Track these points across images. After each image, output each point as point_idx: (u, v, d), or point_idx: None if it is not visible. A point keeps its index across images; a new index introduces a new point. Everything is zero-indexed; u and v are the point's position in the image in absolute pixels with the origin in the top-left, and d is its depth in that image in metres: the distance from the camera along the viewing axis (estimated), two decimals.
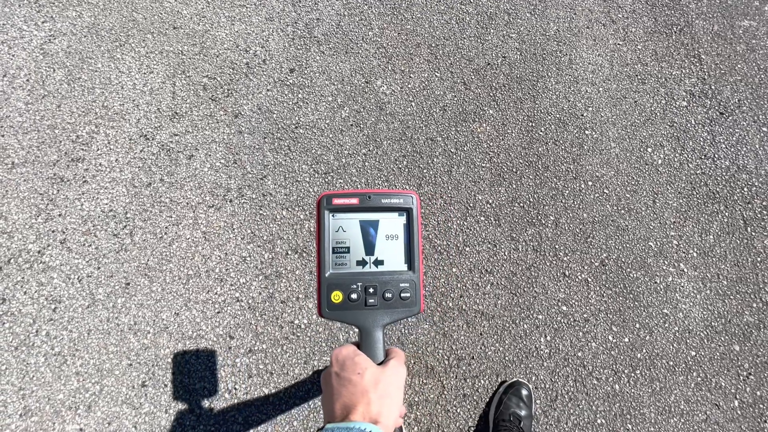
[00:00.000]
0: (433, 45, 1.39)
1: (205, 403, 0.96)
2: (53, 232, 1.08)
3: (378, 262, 0.49)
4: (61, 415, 0.93)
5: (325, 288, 0.47)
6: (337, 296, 0.47)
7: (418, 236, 0.49)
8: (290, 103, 1.28)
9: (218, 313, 1.04)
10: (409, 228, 0.49)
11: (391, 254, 0.49)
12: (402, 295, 0.48)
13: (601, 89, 1.36)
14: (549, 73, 1.37)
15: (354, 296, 0.47)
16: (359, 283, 0.48)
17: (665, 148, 1.29)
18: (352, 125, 1.26)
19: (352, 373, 0.41)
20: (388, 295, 0.48)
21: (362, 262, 0.49)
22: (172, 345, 1.00)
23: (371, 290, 0.48)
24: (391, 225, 0.50)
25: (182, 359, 0.99)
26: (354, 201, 0.49)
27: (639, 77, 1.38)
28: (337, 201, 0.48)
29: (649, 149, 1.28)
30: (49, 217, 1.10)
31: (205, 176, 1.17)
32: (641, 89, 1.37)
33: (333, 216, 0.49)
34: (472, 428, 0.97)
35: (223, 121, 1.24)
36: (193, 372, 0.99)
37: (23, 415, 0.93)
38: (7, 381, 0.95)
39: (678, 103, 1.35)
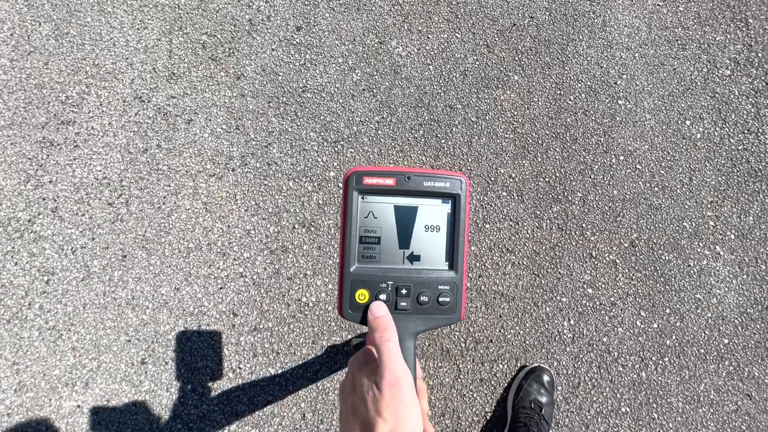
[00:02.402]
0: (454, 3, 1.29)
1: (208, 383, 0.93)
2: (44, 199, 1.03)
3: (414, 258, 0.43)
4: (58, 392, 0.91)
5: (348, 285, 0.41)
6: (362, 295, 0.41)
7: (464, 229, 0.43)
8: (297, 64, 1.19)
9: (221, 288, 0.99)
10: (454, 219, 0.43)
11: (430, 249, 0.43)
12: (440, 299, 0.42)
13: (636, 55, 1.26)
14: (580, 36, 1.27)
15: (383, 297, 0.41)
16: (390, 282, 0.42)
17: (705, 121, 1.21)
18: (364, 90, 1.18)
19: (360, 400, 0.36)
20: (424, 298, 0.42)
21: (395, 257, 0.43)
22: (173, 321, 0.97)
23: (404, 291, 0.41)
24: (433, 214, 0.43)
25: (183, 336, 0.96)
26: (390, 182, 0.42)
27: (679, 42, 1.29)
28: (368, 180, 0.42)
29: (687, 122, 1.20)
30: (39, 183, 1.04)
31: (206, 143, 1.11)
32: (681, 56, 1.27)
33: (363, 198, 0.42)
34: (489, 414, 0.94)
35: (224, 83, 1.16)
36: (195, 350, 0.95)
37: (18, 391, 0.91)
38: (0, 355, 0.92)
39: (721, 71, 1.26)
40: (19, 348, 0.93)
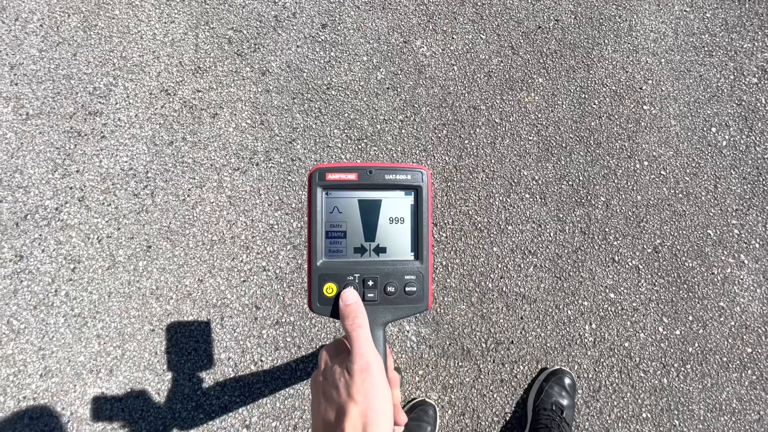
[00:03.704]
0: (479, 4, 1.33)
1: (231, 374, 0.97)
2: (71, 188, 1.08)
3: (379, 250, 0.45)
4: (83, 378, 0.95)
5: (316, 279, 0.44)
6: (330, 289, 0.43)
7: (427, 220, 0.45)
8: (322, 61, 1.24)
9: (244, 281, 1.03)
10: (417, 210, 0.45)
11: (395, 241, 0.45)
12: (407, 289, 0.44)
13: (662, 60, 1.29)
14: (606, 40, 1.31)
15: None
16: (357, 275, 0.44)
17: (731, 129, 1.23)
18: (388, 88, 1.22)
19: (332, 386, 0.38)
20: (391, 288, 0.44)
21: (361, 250, 0.45)
22: (196, 312, 1.00)
23: (370, 283, 0.44)
24: (396, 206, 0.45)
25: (206, 328, 1.00)
26: (352, 176, 0.44)
27: (706, 49, 1.32)
28: (331, 176, 0.44)
29: (713, 129, 1.23)
30: (67, 172, 1.09)
31: (230, 137, 1.15)
32: (708, 62, 1.30)
33: (327, 194, 0.45)
34: (509, 415, 0.97)
35: (250, 78, 1.21)
36: (218, 341, 0.99)
37: (44, 376, 0.95)
38: (26, 340, 0.96)
39: (748, 79, 1.29)
40: (45, 334, 0.97)
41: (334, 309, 0.43)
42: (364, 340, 0.39)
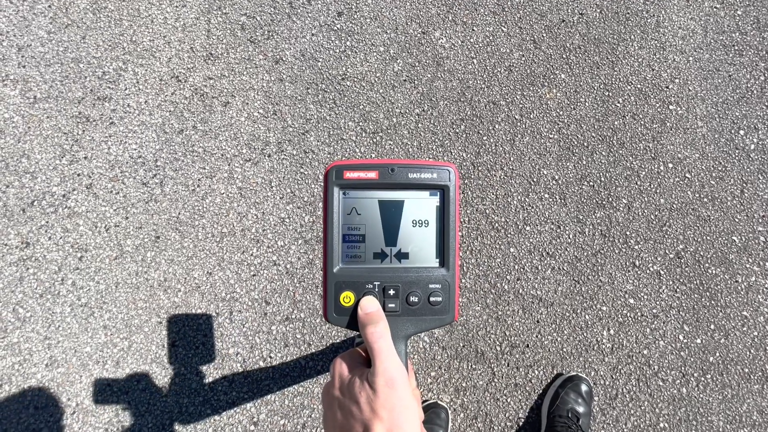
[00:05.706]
0: None
1: (239, 370, 0.98)
2: (79, 175, 1.09)
3: (401, 256, 0.43)
4: (89, 369, 0.96)
5: (332, 287, 0.42)
6: (347, 298, 0.42)
7: (455, 223, 0.43)
8: (337, 51, 1.24)
9: (254, 276, 1.04)
10: (443, 212, 0.43)
11: (418, 246, 0.43)
12: (431, 299, 0.42)
13: (691, 59, 1.29)
14: (632, 36, 1.30)
15: None
16: (376, 283, 0.42)
17: (760, 132, 1.23)
18: (405, 81, 1.22)
19: (352, 402, 0.36)
20: (414, 299, 0.42)
21: (381, 255, 0.43)
22: (204, 305, 1.01)
23: (392, 292, 0.42)
24: (421, 207, 0.43)
25: (214, 321, 1.01)
26: (372, 175, 0.42)
27: (736, 48, 1.31)
28: (350, 174, 0.42)
29: (741, 132, 1.22)
30: (74, 159, 1.10)
31: (242, 126, 1.15)
32: (737, 62, 1.29)
33: (345, 194, 0.42)
34: (522, 420, 0.98)
35: (263, 66, 1.21)
36: (226, 336, 1.00)
37: (49, 365, 0.96)
38: (32, 329, 0.98)
39: None
40: (51, 323, 0.99)
41: (351, 320, 0.42)
42: (388, 352, 0.37)
